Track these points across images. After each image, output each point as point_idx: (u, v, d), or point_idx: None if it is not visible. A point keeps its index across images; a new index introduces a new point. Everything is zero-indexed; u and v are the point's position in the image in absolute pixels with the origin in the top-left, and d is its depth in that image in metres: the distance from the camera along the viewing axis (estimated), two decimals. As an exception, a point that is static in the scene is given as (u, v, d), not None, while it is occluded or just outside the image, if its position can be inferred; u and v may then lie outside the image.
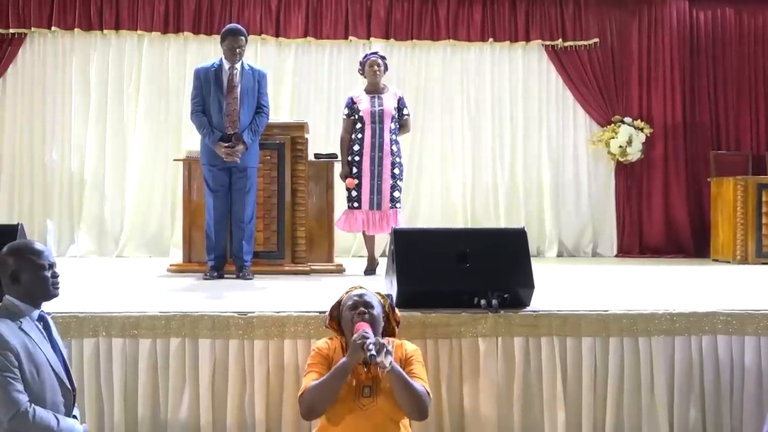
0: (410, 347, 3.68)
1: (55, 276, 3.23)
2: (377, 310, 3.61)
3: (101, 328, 4.06)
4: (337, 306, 3.72)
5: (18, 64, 9.19)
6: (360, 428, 3.43)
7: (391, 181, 6.67)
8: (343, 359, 3.44)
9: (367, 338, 3.34)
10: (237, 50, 6.17)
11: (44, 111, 9.19)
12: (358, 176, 6.66)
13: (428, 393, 3.48)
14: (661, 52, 9.65)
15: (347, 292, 3.72)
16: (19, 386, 3.01)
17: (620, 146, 9.34)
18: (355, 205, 6.69)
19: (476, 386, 4.13)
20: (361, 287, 3.77)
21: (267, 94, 6.38)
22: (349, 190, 6.72)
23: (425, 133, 9.38)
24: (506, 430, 4.13)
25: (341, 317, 3.66)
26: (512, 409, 4.14)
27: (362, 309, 3.55)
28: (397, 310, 3.88)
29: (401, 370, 3.43)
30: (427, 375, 3.65)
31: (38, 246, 3.26)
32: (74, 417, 3.25)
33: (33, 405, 3.02)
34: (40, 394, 3.07)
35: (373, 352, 3.27)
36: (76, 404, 3.33)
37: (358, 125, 6.72)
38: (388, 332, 3.73)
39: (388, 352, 3.31)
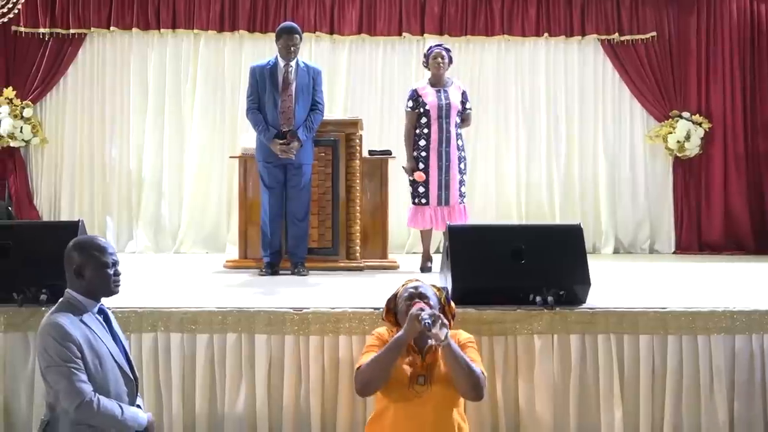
0: (465, 335, 3.74)
1: (117, 274, 3.32)
2: (433, 301, 3.66)
3: (160, 323, 4.14)
4: (394, 298, 3.77)
5: (78, 63, 9.34)
6: (414, 415, 3.48)
7: (459, 176, 6.59)
8: (399, 333, 3.50)
9: (423, 310, 3.40)
10: (292, 48, 6.21)
11: (104, 110, 9.33)
12: (426, 171, 6.55)
13: (484, 374, 3.51)
14: (720, 46, 9.43)
15: (403, 285, 3.77)
16: (83, 377, 3.08)
17: (678, 141, 9.18)
18: (423, 201, 6.60)
19: (531, 383, 4.12)
20: (417, 280, 3.82)
21: (322, 91, 6.41)
22: (415, 185, 6.61)
23: (479, 129, 9.29)
24: (562, 428, 4.11)
25: (397, 309, 3.70)
26: (568, 406, 4.12)
27: (418, 300, 3.60)
28: (452, 303, 3.89)
29: (457, 346, 3.47)
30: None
31: (103, 243, 3.34)
32: (138, 407, 3.33)
33: (97, 394, 3.09)
34: (103, 385, 3.15)
35: (429, 321, 3.32)
36: (139, 394, 3.40)
37: (423, 119, 6.60)
38: (443, 325, 3.76)
39: (443, 325, 3.38)
